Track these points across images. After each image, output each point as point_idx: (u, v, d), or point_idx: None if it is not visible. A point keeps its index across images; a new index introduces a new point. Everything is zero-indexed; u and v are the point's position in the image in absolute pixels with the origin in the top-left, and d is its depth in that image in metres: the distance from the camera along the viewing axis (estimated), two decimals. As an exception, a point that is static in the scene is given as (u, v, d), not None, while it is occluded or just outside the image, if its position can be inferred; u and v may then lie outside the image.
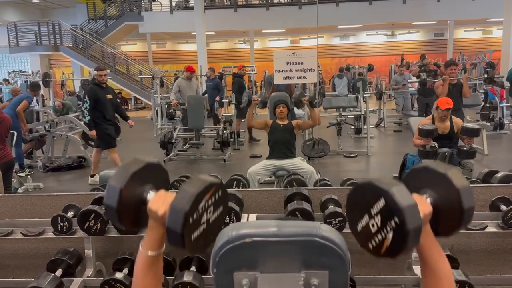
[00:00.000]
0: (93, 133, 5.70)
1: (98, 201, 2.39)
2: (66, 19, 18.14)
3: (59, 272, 2.23)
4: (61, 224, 2.32)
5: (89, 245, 2.37)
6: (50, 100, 11.13)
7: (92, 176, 5.97)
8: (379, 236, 0.86)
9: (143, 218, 0.98)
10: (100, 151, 5.92)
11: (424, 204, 0.91)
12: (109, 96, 5.81)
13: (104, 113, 5.70)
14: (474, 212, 2.47)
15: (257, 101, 4.68)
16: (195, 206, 0.86)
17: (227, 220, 2.21)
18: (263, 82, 12.87)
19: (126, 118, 6.18)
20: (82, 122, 6.05)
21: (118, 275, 2.14)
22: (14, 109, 6.50)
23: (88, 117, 5.60)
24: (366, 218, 0.89)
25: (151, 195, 0.97)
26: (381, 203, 0.85)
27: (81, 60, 16.80)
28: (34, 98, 7.67)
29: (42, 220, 2.45)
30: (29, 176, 6.05)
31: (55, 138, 7.21)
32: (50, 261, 2.31)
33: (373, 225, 0.87)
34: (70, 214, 2.38)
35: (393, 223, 0.83)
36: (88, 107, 5.57)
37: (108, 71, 6.09)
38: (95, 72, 5.77)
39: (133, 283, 0.99)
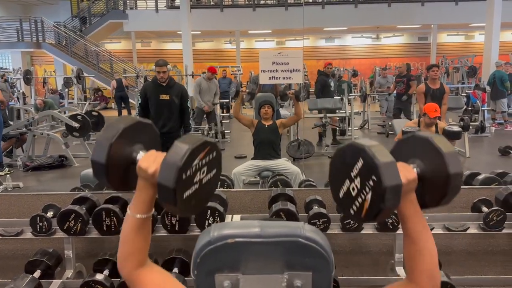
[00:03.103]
0: None
1: (79, 201, 2.35)
2: (48, 16, 17.83)
3: (37, 274, 2.18)
4: (40, 224, 2.27)
5: (69, 245, 2.32)
6: (31, 98, 10.94)
7: None
8: (359, 199, 0.83)
9: (132, 179, 0.94)
10: None
11: (408, 170, 0.88)
12: (165, 97, 4.70)
13: (152, 116, 4.68)
14: (456, 213, 2.50)
15: (245, 92, 4.65)
16: (189, 162, 0.82)
17: (210, 221, 2.19)
18: (248, 83, 12.89)
19: (186, 129, 4.99)
20: None
21: (99, 277, 2.10)
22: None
23: (137, 115, 4.93)
24: (347, 182, 0.86)
25: (140, 155, 0.93)
26: (360, 163, 0.82)
27: (64, 58, 16.55)
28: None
29: (20, 220, 2.39)
30: (8, 175, 5.91)
31: (35, 137, 7.07)
32: (28, 262, 2.26)
33: (353, 189, 0.85)
34: (50, 214, 2.33)
35: (371, 182, 0.80)
36: (139, 104, 4.87)
37: (169, 66, 5.01)
38: (154, 67, 4.96)
39: (120, 250, 0.94)
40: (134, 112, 4.88)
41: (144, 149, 0.95)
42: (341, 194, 0.89)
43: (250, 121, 4.61)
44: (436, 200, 0.93)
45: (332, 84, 8.24)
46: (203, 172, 0.88)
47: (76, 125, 6.55)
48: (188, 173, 0.83)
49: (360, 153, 0.82)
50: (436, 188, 0.91)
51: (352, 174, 0.85)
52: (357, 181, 0.84)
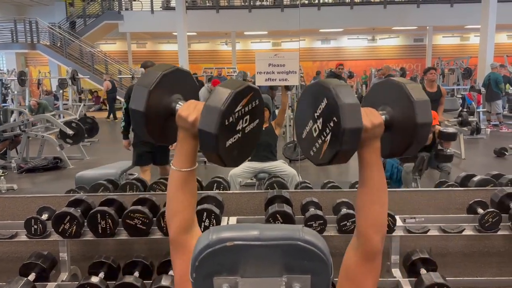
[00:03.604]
0: (125, 143, 4.58)
1: (74, 203, 2.34)
2: (43, 17, 17.77)
3: (32, 277, 2.17)
4: (35, 226, 2.25)
5: (64, 248, 2.30)
6: (25, 99, 10.88)
7: None
8: (319, 141, 0.81)
9: (171, 131, 0.90)
10: (146, 169, 4.47)
11: (374, 115, 0.86)
12: None
13: None
14: (452, 215, 2.51)
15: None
16: (231, 107, 0.78)
17: (207, 223, 2.18)
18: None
19: None
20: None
21: (94, 279, 2.09)
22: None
23: (123, 123, 4.47)
24: (310, 123, 0.84)
25: (180, 105, 0.88)
26: (324, 103, 0.80)
27: (58, 59, 16.49)
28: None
29: (14, 222, 2.37)
30: (2, 177, 5.87)
31: (30, 138, 7.03)
32: (22, 265, 2.24)
33: (315, 130, 0.82)
34: (45, 216, 2.32)
35: (331, 123, 0.78)
36: (124, 110, 4.48)
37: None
38: (142, 69, 4.54)
39: (168, 207, 0.92)
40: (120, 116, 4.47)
41: (183, 99, 0.91)
42: (303, 135, 0.86)
43: None
44: (402, 149, 0.90)
45: None
46: (246, 121, 0.84)
47: (70, 132, 6.58)
48: (231, 119, 0.79)
49: (325, 92, 0.79)
50: (402, 137, 0.88)
51: (316, 115, 0.82)
52: (319, 122, 0.81)
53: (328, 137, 0.78)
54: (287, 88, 4.59)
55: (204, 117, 0.78)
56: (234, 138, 0.81)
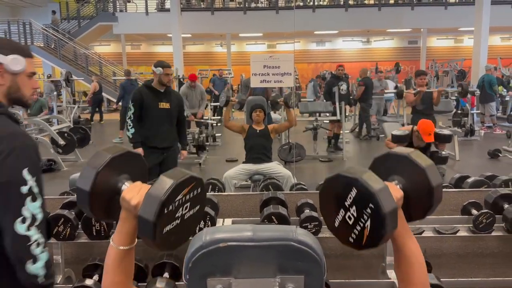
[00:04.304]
0: (139, 150, 3.78)
1: (68, 205, 2.32)
2: (37, 18, 17.70)
3: (25, 279, 2.15)
4: (28, 228, 2.23)
5: (58, 250, 2.29)
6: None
7: None
8: (358, 227, 0.84)
9: (115, 210, 0.93)
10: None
11: (394, 189, 0.90)
12: (165, 105, 3.96)
13: (149, 129, 3.93)
14: (446, 216, 2.51)
15: (234, 102, 4.64)
16: (172, 196, 0.81)
17: (201, 225, 2.18)
18: (239, 86, 12.90)
19: (183, 143, 4.29)
20: (129, 135, 4.01)
21: (88, 282, 2.08)
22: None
23: (133, 130, 3.91)
24: (342, 212, 0.87)
25: (126, 186, 0.92)
26: (354, 192, 0.84)
27: (52, 61, 16.42)
28: None
29: (8, 224, 2.35)
30: (-4, 179, 5.83)
31: (24, 140, 6.99)
32: (16, 267, 2.22)
33: (349, 218, 0.85)
34: (38, 218, 2.30)
35: (368, 210, 0.81)
36: (132, 116, 3.90)
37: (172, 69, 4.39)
38: (159, 69, 3.92)
39: (103, 279, 0.94)
40: (126, 121, 4.00)
41: (130, 179, 0.95)
42: (336, 224, 0.90)
43: (240, 127, 4.60)
44: (422, 212, 0.96)
45: (343, 87, 8.23)
46: (186, 208, 0.87)
47: (62, 142, 6.61)
48: (170, 207, 0.82)
49: (353, 183, 0.84)
50: (420, 202, 0.94)
51: (347, 204, 0.86)
52: (353, 210, 0.85)
53: (368, 223, 0.83)
54: (287, 104, 4.59)
55: (145, 204, 0.82)
56: (172, 225, 0.85)
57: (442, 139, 4.28)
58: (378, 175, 0.93)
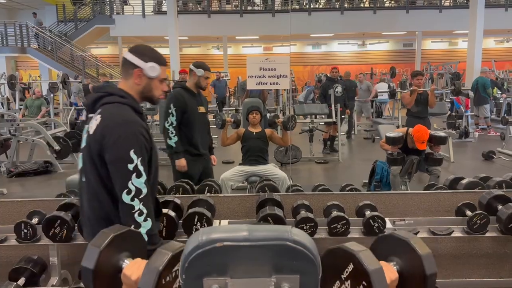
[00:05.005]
0: (182, 163, 3.47)
1: (64, 207, 2.33)
2: (34, 20, 17.65)
3: (21, 281, 2.15)
4: (25, 231, 2.23)
5: (54, 252, 2.29)
6: (16, 103, 10.79)
7: None
8: None
9: (117, 287, 0.97)
10: None
11: (390, 270, 0.94)
12: (202, 109, 3.65)
13: (192, 135, 3.55)
14: (441, 217, 2.53)
15: (230, 122, 4.63)
16: (169, 267, 0.86)
17: (198, 226, 2.19)
18: (236, 88, 12.91)
19: (211, 148, 3.91)
20: (167, 143, 3.58)
21: (85, 283, 2.08)
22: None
23: (176, 138, 3.45)
24: (337, 283, 0.91)
25: (126, 263, 0.97)
26: (350, 267, 0.88)
27: (49, 63, 16.38)
28: None
29: (4, 227, 2.36)
30: (-9, 182, 5.82)
31: (20, 142, 6.97)
32: (12, 269, 2.23)
33: None
34: (35, 220, 2.30)
35: (361, 287, 0.85)
36: (174, 122, 3.44)
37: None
38: (200, 70, 3.46)
39: None
40: (164, 131, 3.54)
41: (130, 257, 0.99)
42: None
43: (235, 137, 4.59)
44: None
45: (338, 89, 8.26)
46: None
47: (57, 147, 6.54)
48: (168, 278, 0.86)
49: (351, 258, 0.88)
50: (414, 287, 0.98)
51: (343, 276, 0.90)
52: (348, 283, 0.89)
53: None
54: (286, 127, 4.62)
55: (144, 276, 0.86)
56: None
57: (437, 141, 4.31)
58: (379, 253, 0.98)
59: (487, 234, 2.35)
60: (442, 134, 4.49)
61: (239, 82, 11.70)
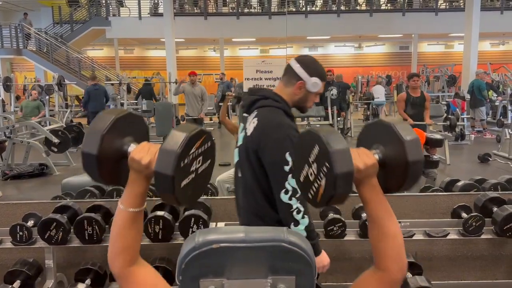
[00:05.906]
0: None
1: (60, 209, 2.32)
2: (24, 21, 17.59)
3: (17, 284, 2.14)
4: (21, 233, 2.22)
5: (49, 255, 2.28)
6: (11, 105, 10.75)
7: None
8: (316, 184, 0.86)
9: (122, 173, 0.92)
10: None
11: (367, 155, 0.89)
12: None
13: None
14: (436, 219, 2.54)
15: (231, 96, 4.57)
16: (186, 150, 0.82)
17: (194, 229, 2.19)
18: (235, 87, 12.93)
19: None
20: None
21: (80, 286, 2.08)
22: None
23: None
24: (306, 167, 0.89)
25: (132, 147, 0.91)
26: (316, 149, 0.85)
27: (45, 65, 16.32)
28: None
29: (-1, 229, 2.34)
30: (-13, 184, 5.79)
31: (15, 144, 6.94)
32: (7, 272, 2.22)
33: (311, 174, 0.87)
34: (30, 223, 2.29)
35: (325, 169, 0.82)
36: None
37: None
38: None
39: (110, 249, 0.92)
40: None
41: (134, 141, 0.93)
42: (301, 178, 0.92)
43: (235, 129, 4.57)
44: (396, 186, 0.94)
45: (334, 92, 8.26)
46: (199, 162, 0.88)
47: (56, 140, 6.48)
48: (186, 161, 0.83)
49: (316, 140, 0.85)
50: (396, 174, 0.92)
51: (310, 160, 0.87)
52: (314, 167, 0.86)
53: (323, 182, 0.83)
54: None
55: (160, 159, 0.82)
56: (189, 179, 0.85)
57: (433, 144, 4.33)
58: (366, 141, 0.95)
59: (483, 236, 2.36)
60: (438, 136, 4.50)
61: (235, 84, 11.73)
